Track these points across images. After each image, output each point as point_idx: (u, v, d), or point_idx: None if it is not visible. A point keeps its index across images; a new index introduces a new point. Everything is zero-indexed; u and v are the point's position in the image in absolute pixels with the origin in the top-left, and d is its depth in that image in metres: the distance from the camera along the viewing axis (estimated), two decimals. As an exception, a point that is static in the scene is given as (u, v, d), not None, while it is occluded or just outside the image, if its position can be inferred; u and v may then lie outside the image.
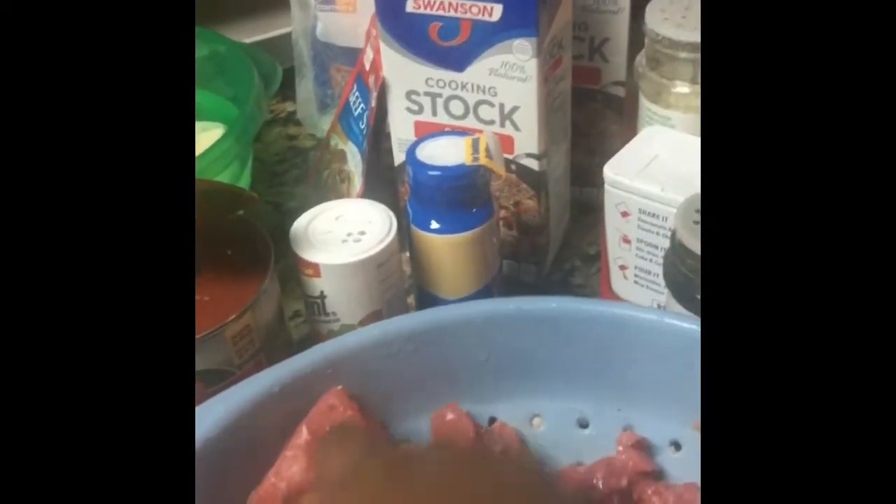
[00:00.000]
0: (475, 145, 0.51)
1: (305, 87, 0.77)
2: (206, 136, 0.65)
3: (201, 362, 0.46)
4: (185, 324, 0.31)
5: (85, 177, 0.30)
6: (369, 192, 0.60)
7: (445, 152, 0.52)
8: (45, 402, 0.28)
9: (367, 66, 0.61)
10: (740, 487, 0.28)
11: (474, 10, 0.52)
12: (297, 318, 0.60)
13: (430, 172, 0.51)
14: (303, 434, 0.43)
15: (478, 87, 0.55)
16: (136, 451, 0.29)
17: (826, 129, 0.29)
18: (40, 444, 0.28)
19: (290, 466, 0.42)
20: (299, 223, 0.52)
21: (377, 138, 0.61)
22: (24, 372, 0.28)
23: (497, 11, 0.52)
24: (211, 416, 0.41)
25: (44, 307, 0.29)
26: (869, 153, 0.29)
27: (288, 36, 0.78)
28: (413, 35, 0.55)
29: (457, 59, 0.55)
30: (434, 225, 0.52)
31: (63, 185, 0.29)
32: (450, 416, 0.46)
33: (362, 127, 0.61)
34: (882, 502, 0.27)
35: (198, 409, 0.41)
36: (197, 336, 0.46)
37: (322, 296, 0.51)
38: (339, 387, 0.44)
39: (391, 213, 0.53)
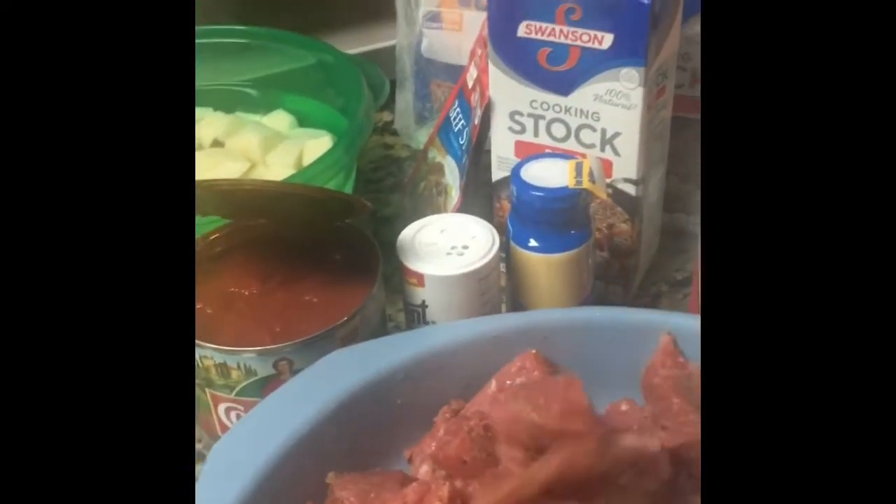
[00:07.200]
0: (579, 169, 0.53)
1: (404, 99, 0.80)
2: (313, 144, 0.68)
3: (311, 362, 0.48)
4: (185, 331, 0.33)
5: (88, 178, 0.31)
6: (466, 205, 0.61)
7: (549, 174, 0.53)
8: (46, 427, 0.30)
9: (470, 84, 0.63)
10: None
11: (584, 37, 0.54)
12: (389, 322, 0.63)
13: (534, 192, 0.53)
14: (492, 385, 0.48)
15: (581, 111, 0.57)
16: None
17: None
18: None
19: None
20: (406, 234, 0.54)
21: (478, 154, 0.63)
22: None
23: (607, 40, 0.53)
24: (434, 336, 0.50)
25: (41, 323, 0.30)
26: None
27: (388, 49, 0.81)
28: (522, 59, 0.57)
29: (563, 84, 0.56)
30: (533, 243, 0.54)
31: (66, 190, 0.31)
32: (623, 408, 0.48)
33: (462, 142, 0.63)
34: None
35: (425, 329, 0.52)
36: (308, 336, 0.48)
37: (423, 305, 0.53)
38: (534, 350, 0.49)
39: (493, 230, 0.55)
